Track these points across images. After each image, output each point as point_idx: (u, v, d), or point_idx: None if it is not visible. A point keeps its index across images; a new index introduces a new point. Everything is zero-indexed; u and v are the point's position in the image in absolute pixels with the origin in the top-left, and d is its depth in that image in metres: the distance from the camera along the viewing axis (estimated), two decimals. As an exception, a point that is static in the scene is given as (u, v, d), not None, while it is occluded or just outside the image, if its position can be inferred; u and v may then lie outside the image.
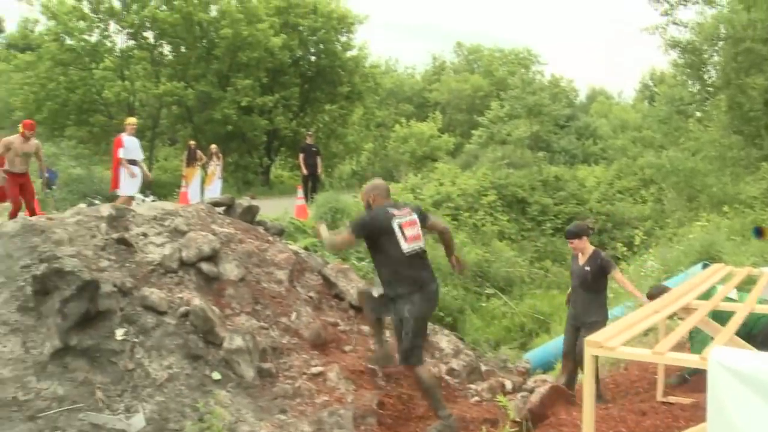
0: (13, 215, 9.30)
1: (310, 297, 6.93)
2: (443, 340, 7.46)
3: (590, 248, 6.67)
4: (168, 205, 7.71)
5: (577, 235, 6.67)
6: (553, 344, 9.30)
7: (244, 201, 8.53)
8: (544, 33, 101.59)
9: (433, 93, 47.67)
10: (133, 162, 10.95)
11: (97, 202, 14.85)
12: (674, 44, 18.81)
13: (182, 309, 5.56)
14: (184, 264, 6.16)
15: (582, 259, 6.64)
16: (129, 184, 10.94)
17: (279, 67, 30.30)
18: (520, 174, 20.10)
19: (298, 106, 31.89)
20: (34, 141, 9.81)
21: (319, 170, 17.46)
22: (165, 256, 6.13)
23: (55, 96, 27.35)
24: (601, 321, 6.29)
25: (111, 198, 12.46)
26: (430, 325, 6.76)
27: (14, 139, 9.58)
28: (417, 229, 5.31)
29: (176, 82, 27.54)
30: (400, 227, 5.20)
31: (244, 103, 28.17)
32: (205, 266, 6.19)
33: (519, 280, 14.26)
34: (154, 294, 5.56)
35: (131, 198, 10.70)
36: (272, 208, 11.95)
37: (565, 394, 6.27)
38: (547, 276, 15.11)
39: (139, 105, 30.37)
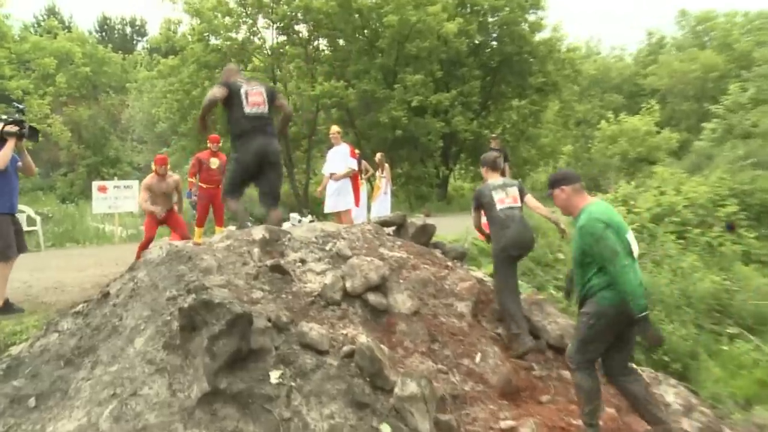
0: (141, 246, 10.47)
1: (499, 334, 6.89)
2: (669, 392, 7.11)
3: None
4: (329, 226, 7.97)
5: None
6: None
7: (417, 219, 8.64)
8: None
9: (649, 78, 45.95)
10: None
11: (248, 223, 15.68)
12: None
13: (346, 348, 5.68)
14: (348, 295, 6.34)
15: None
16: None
17: (455, 58, 30.53)
18: (771, 177, 18.88)
19: (480, 103, 31.90)
20: (173, 177, 11.07)
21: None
22: (326, 286, 6.32)
23: (200, 103, 29.02)
24: None
25: (263, 219, 13.50)
26: (651, 373, 7.34)
27: (151, 180, 10.78)
28: (260, 99, 8.00)
29: (335, 81, 28.37)
30: (246, 94, 7.95)
31: (414, 102, 28.46)
32: (372, 297, 6.34)
33: (775, 317, 13.31)
34: (313, 330, 5.72)
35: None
36: (451, 227, 12.03)
37: None
38: (815, 313, 13.99)
39: (294, 109, 31.65)
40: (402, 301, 6.49)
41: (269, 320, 5.67)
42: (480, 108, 32.03)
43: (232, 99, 7.96)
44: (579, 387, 5.76)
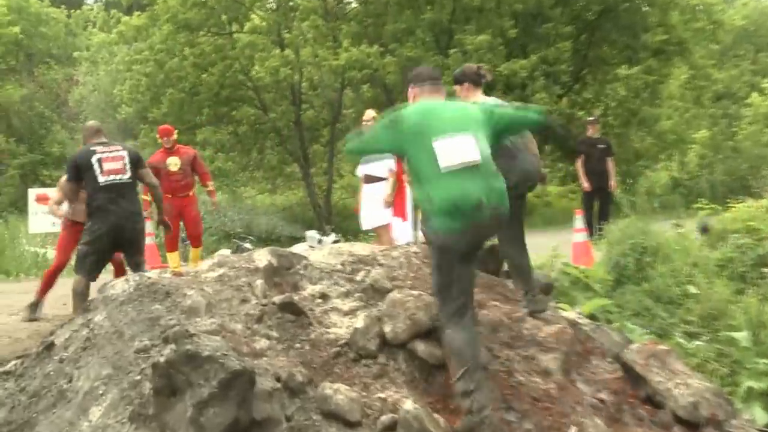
0: (49, 274, 11.22)
1: (601, 400, 6.87)
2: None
3: None
4: (360, 248, 8.04)
5: None
6: None
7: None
8: None
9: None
10: (371, 180, 12.20)
11: (248, 245, 15.81)
12: None
13: (385, 418, 5.69)
14: (387, 344, 6.39)
15: None
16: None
17: (535, 10, 30.24)
18: None
19: (572, 73, 31.50)
20: None
21: (612, 181, 17.36)
22: (357, 332, 6.39)
23: (178, 79, 29.40)
24: None
25: (269, 238, 13.48)
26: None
27: None
28: (119, 165, 9.62)
29: (366, 46, 28.24)
30: (99, 161, 9.51)
31: (479, 73, 28.23)
32: (421, 347, 6.37)
33: None
34: (340, 393, 5.74)
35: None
36: (532, 248, 11.96)
37: None
38: None
39: (308, 87, 31.67)
40: (464, 352, 6.51)
41: (278, 380, 5.70)
42: (572, 80, 31.68)
43: (85, 174, 9.61)
44: (449, 348, 6.13)
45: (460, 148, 6.12)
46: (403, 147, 6.25)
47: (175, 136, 13.64)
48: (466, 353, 6.01)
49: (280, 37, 29.99)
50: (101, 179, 9.52)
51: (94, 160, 9.55)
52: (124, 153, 9.80)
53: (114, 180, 9.57)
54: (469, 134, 6.25)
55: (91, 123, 10.55)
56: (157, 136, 13.65)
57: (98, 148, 9.71)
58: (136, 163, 9.89)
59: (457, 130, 6.21)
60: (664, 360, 7.35)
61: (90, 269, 9.70)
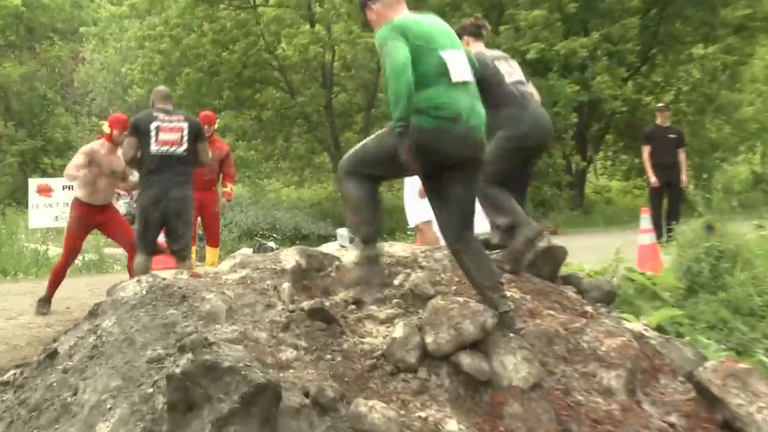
0: (57, 270, 11.46)
1: (671, 425, 6.83)
2: None
3: None
4: (399, 249, 8.05)
5: None
6: None
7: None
8: None
9: None
10: None
11: (272, 244, 15.84)
12: None
13: (426, 439, 5.71)
14: (429, 356, 6.36)
15: None
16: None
17: (597, -18, 30.25)
18: None
19: (639, 53, 31.34)
20: None
21: (683, 176, 17.26)
22: (395, 342, 6.36)
23: (196, 57, 29.45)
24: None
25: (295, 236, 13.46)
26: None
27: (99, 147, 11.25)
28: (175, 137, 10.29)
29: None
30: (157, 130, 10.19)
31: (532, 53, 27.98)
32: (467, 360, 6.33)
33: None
34: (375, 411, 5.72)
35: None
36: (592, 251, 11.96)
37: None
38: None
39: (341, 68, 31.65)
40: (514, 366, 6.47)
41: (306, 395, 5.69)
42: (639, 61, 31.49)
43: (141, 135, 10.28)
44: (347, 197, 6.93)
45: (461, 64, 6.50)
46: (413, 56, 6.31)
47: (215, 126, 13.85)
48: (363, 207, 6.84)
49: (310, 12, 30.05)
50: (153, 148, 10.20)
51: (152, 126, 10.23)
52: (185, 125, 10.47)
53: (167, 151, 10.29)
54: (462, 52, 6.72)
55: (161, 87, 11.48)
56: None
57: (160, 115, 10.40)
58: (195, 136, 10.60)
59: (455, 46, 6.62)
60: (745, 380, 7.23)
61: (147, 246, 10.42)
